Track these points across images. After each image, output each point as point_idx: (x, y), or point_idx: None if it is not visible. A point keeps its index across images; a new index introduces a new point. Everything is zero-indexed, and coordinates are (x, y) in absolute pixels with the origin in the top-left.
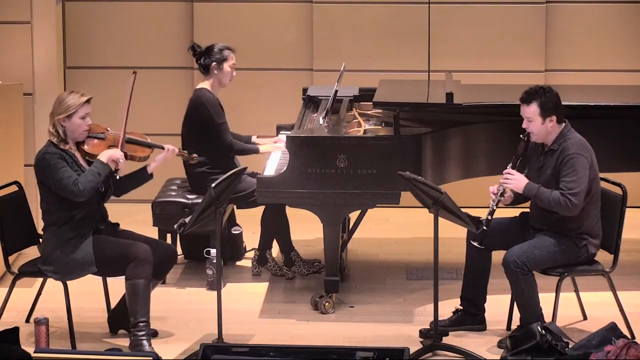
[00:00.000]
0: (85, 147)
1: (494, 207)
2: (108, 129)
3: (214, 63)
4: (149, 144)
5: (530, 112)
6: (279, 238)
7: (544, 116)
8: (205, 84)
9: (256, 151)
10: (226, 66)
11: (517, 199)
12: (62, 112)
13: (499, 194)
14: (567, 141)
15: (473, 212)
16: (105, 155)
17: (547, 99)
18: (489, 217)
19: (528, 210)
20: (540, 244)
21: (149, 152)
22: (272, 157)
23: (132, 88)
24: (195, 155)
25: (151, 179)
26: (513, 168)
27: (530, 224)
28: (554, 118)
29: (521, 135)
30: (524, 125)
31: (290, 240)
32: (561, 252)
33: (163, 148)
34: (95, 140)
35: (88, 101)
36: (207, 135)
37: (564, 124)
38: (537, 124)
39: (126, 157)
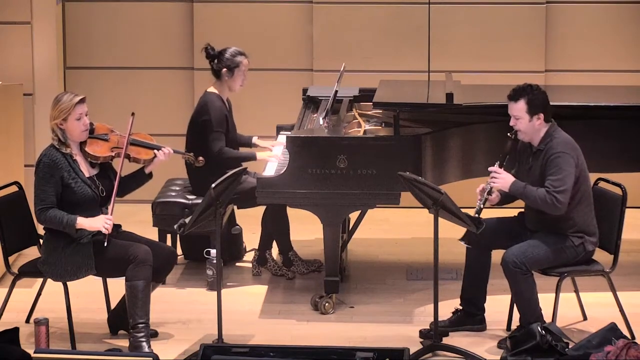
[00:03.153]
0: (87, 148)
1: (482, 206)
2: (113, 129)
3: (225, 69)
4: (152, 145)
5: (518, 109)
6: (278, 238)
7: (531, 113)
8: (215, 88)
9: (253, 158)
10: (237, 73)
11: (505, 199)
12: (57, 116)
13: (485, 192)
14: (553, 140)
15: (473, 213)
16: (87, 224)
17: (534, 96)
18: (477, 216)
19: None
20: (539, 244)
21: (152, 153)
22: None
23: (130, 128)
24: (201, 158)
25: (151, 179)
26: (500, 167)
27: (526, 226)
28: (542, 116)
29: (508, 134)
30: (511, 123)
31: (289, 240)
32: (559, 251)
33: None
34: (99, 141)
35: (82, 101)
36: (206, 139)
37: (550, 123)
38: (524, 122)
39: (130, 159)
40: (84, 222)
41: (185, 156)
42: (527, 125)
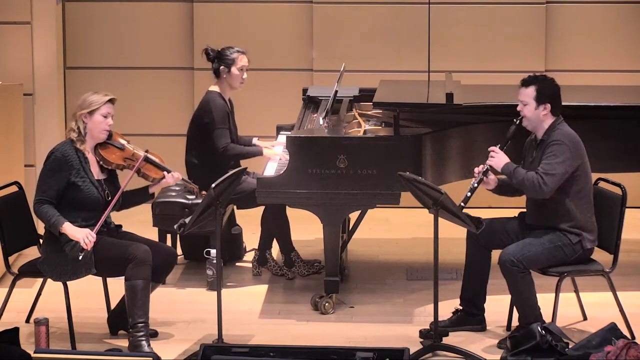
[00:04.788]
0: (102, 151)
1: (475, 185)
2: (129, 141)
3: (222, 67)
4: (163, 167)
5: (526, 94)
6: (279, 238)
7: (538, 101)
8: (216, 87)
9: (259, 153)
10: (234, 69)
11: (504, 187)
12: (84, 108)
13: (481, 172)
14: (556, 131)
15: (473, 212)
16: (69, 231)
17: (545, 85)
18: (468, 194)
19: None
20: (535, 242)
21: (161, 174)
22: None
23: (138, 163)
24: (204, 192)
25: (152, 199)
26: (501, 149)
27: (526, 222)
28: (548, 107)
29: (514, 119)
30: (518, 109)
31: (290, 240)
32: (556, 249)
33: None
34: (114, 148)
35: (112, 101)
36: (208, 138)
37: (557, 117)
38: (530, 109)
39: (139, 174)
40: (67, 229)
41: (190, 186)
42: (532, 112)
